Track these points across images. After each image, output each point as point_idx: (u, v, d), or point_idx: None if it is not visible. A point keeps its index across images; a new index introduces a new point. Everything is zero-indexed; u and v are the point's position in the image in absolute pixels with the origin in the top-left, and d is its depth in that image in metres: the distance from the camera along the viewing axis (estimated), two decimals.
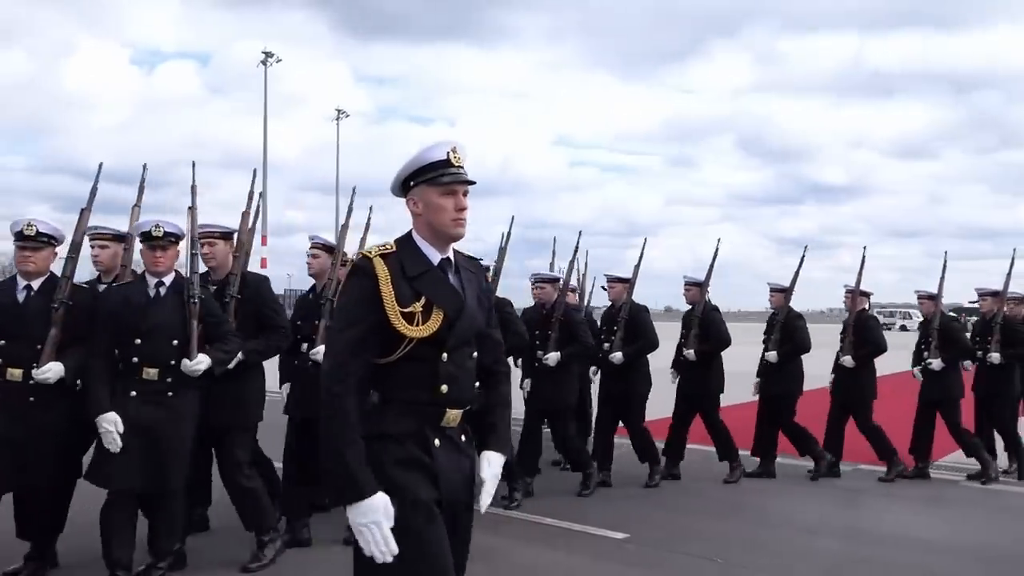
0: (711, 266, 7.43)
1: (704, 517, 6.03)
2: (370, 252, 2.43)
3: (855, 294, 7.48)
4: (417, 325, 2.36)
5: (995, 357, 7.35)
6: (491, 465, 2.57)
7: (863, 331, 7.35)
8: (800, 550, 5.29)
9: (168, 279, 4.26)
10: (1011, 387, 7.46)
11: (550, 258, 8.32)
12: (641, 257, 7.31)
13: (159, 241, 4.22)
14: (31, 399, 4.10)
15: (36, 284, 4.22)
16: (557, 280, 6.77)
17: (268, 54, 38.79)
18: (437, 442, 2.42)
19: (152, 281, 4.25)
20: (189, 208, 4.55)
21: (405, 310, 2.36)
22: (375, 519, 2.25)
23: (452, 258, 2.52)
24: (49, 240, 4.26)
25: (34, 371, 4.05)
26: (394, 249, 2.44)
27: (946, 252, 7.58)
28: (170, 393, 4.15)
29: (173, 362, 4.15)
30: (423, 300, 2.39)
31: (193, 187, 4.63)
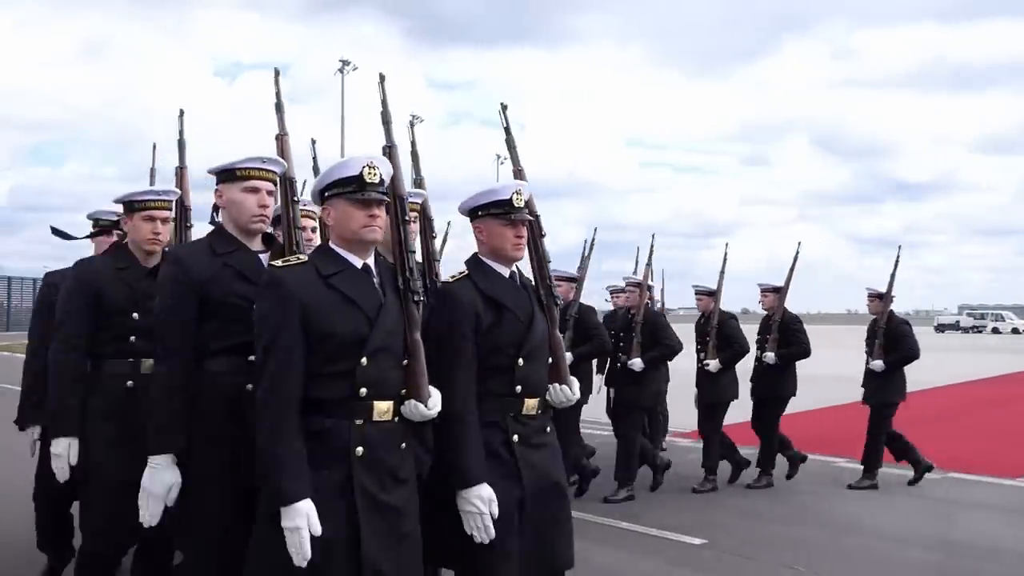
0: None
1: (785, 524, 5.92)
2: None
3: (642, 287, 6.96)
4: None
5: (770, 357, 7.08)
6: None
7: (654, 330, 6.84)
8: (885, 559, 5.14)
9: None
10: (785, 389, 7.16)
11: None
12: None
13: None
14: (403, 445, 2.56)
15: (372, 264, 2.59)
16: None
17: (345, 62, 39.51)
18: None
19: (505, 272, 2.96)
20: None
21: None
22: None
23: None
24: None
25: (412, 404, 2.53)
26: None
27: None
28: (548, 429, 3.02)
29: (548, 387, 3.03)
30: None
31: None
